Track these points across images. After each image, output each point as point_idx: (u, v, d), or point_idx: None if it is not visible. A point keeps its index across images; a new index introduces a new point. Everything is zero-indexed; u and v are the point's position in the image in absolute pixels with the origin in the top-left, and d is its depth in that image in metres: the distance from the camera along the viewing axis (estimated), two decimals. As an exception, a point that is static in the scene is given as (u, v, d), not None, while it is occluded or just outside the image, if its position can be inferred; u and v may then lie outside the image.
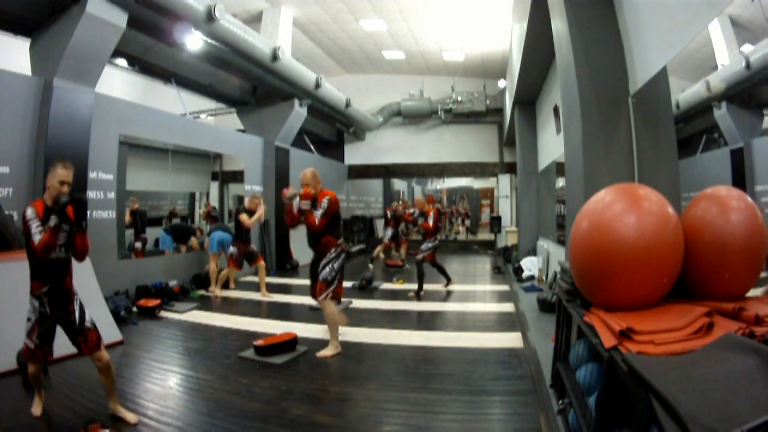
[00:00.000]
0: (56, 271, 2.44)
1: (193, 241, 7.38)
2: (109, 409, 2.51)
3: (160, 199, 8.90)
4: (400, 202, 9.61)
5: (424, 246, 6.48)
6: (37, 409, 2.54)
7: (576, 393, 1.82)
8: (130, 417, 2.47)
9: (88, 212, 5.01)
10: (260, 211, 6.11)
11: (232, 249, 6.04)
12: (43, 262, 2.38)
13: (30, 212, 2.36)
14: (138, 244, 6.97)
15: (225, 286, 6.37)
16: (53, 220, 2.32)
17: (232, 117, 9.85)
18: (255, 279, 7.02)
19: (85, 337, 2.49)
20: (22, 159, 4.43)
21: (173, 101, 7.70)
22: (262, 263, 6.15)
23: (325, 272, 3.68)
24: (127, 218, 6.73)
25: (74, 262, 2.55)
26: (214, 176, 9.56)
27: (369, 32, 9.44)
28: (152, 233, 7.56)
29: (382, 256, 9.13)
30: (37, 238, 2.31)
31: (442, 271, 6.62)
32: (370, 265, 8.45)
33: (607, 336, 1.55)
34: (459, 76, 11.59)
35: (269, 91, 8.36)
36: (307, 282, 7.11)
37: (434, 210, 6.71)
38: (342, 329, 4.45)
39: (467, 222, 15.43)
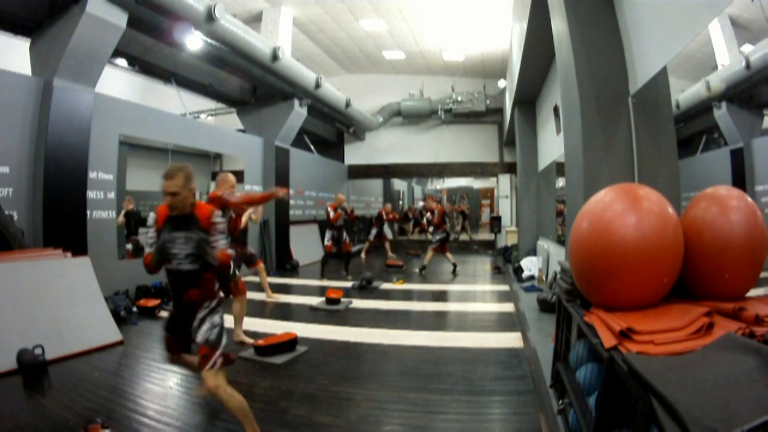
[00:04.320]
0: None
1: None
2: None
3: (160, 200, 8.89)
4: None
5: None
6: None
7: (576, 393, 1.82)
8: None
9: (89, 212, 5.02)
10: (250, 211, 5.51)
11: (230, 252, 5.86)
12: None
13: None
14: (129, 246, 6.79)
15: None
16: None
17: (232, 117, 9.85)
18: (255, 279, 7.01)
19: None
20: (22, 159, 4.43)
21: (173, 101, 7.70)
22: (261, 266, 5.83)
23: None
24: (120, 219, 6.41)
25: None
26: (214, 176, 9.53)
27: (369, 32, 9.44)
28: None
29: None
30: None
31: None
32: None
33: (607, 336, 1.54)
34: (459, 76, 11.59)
35: (269, 91, 8.36)
36: (306, 282, 7.15)
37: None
38: (342, 329, 4.46)
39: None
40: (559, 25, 3.31)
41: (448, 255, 8.21)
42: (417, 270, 8.24)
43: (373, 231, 10.22)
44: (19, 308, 3.42)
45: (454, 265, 8.13)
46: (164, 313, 5.04)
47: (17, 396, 2.83)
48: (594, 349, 1.67)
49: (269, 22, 8.28)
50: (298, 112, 8.77)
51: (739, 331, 1.42)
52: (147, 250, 2.26)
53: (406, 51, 10.44)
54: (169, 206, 2.19)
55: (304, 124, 9.44)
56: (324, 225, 7.57)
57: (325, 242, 7.32)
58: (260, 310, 5.44)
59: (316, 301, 5.64)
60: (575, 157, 3.00)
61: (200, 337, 2.17)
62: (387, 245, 10.64)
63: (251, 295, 6.09)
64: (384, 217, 9.97)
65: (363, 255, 10.21)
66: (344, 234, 7.32)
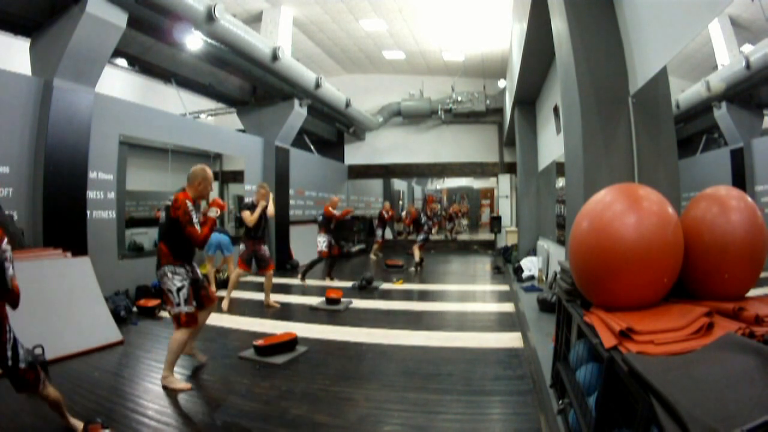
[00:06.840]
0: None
1: None
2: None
3: (160, 199, 8.90)
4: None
5: None
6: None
7: (576, 393, 1.82)
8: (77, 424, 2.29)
9: (89, 212, 5.02)
10: (264, 203, 5.22)
11: (241, 247, 5.38)
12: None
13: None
14: None
15: (223, 285, 6.30)
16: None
17: (232, 117, 9.85)
18: (255, 279, 7.01)
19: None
20: (22, 159, 4.43)
21: (173, 101, 7.70)
22: (270, 272, 5.42)
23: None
24: None
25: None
26: (215, 176, 9.55)
27: (369, 32, 9.44)
28: (151, 234, 7.57)
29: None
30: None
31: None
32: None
33: (607, 336, 1.54)
34: (459, 76, 11.59)
35: (269, 91, 8.36)
36: (306, 282, 7.14)
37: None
38: (342, 329, 4.46)
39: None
40: (559, 25, 3.31)
41: (418, 250, 8.62)
42: (412, 269, 8.36)
43: (379, 231, 10.51)
44: (19, 308, 3.41)
45: (421, 260, 8.51)
46: (164, 314, 5.04)
47: (17, 396, 2.83)
48: (594, 349, 1.67)
49: (269, 22, 8.28)
50: (298, 112, 8.77)
51: (739, 331, 1.42)
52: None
53: (406, 51, 10.43)
54: None
55: (304, 124, 9.44)
56: (322, 226, 7.27)
57: (323, 248, 6.89)
58: (260, 310, 5.43)
59: (316, 301, 5.64)
60: (575, 157, 3.00)
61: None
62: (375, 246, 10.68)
63: (249, 295, 6.10)
64: (386, 216, 10.35)
65: (372, 255, 10.50)
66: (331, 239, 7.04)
